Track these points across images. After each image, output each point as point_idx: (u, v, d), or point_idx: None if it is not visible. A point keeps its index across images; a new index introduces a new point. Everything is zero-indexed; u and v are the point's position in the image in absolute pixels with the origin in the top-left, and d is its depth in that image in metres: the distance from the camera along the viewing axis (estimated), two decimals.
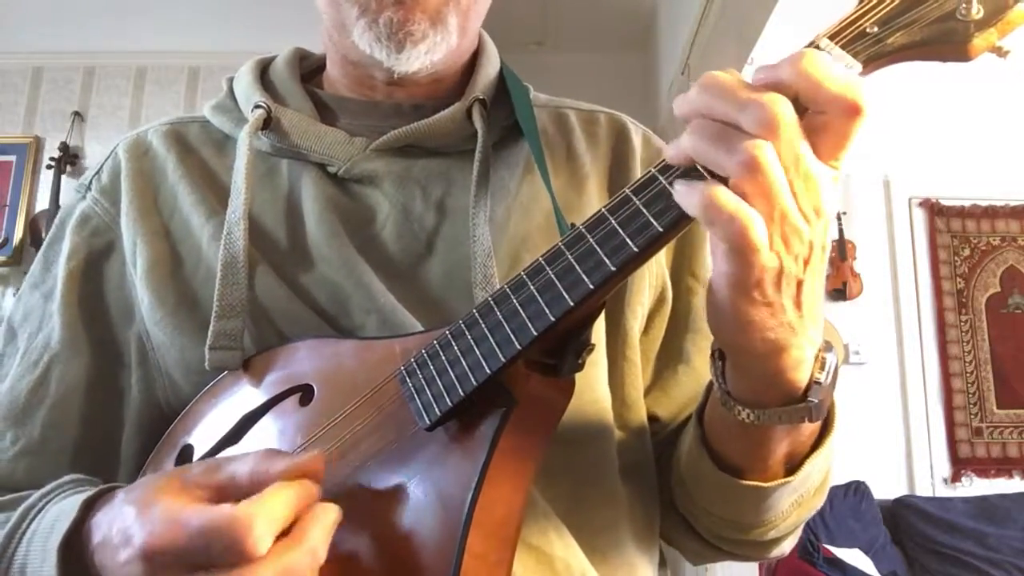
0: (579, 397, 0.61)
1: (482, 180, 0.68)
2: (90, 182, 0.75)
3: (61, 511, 0.53)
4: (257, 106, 0.72)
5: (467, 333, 0.52)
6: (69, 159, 3.40)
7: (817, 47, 0.45)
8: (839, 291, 3.65)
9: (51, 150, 3.42)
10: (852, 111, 0.42)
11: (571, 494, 0.65)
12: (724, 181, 0.43)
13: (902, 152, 3.70)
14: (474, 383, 0.51)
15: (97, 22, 3.39)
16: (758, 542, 0.67)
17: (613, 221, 0.47)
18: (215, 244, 0.67)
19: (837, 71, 0.43)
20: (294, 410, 0.60)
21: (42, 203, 3.40)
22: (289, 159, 0.73)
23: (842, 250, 3.70)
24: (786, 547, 0.70)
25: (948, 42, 0.44)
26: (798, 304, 0.46)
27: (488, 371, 0.50)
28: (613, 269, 0.46)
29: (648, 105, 3.93)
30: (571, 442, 0.65)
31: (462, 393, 0.51)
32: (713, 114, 0.44)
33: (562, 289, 0.47)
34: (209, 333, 0.63)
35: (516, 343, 0.49)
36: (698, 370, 0.74)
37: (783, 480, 0.58)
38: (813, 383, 0.50)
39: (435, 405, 0.52)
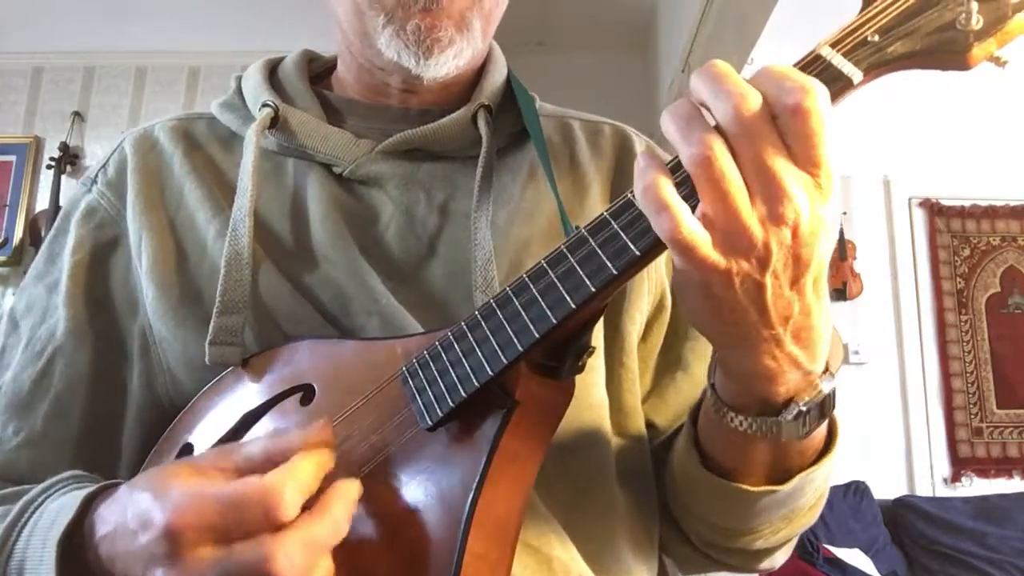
0: (576, 402, 0.61)
1: (485, 185, 0.69)
2: (96, 175, 0.75)
3: (61, 506, 0.53)
4: (265, 105, 0.73)
5: (469, 335, 0.52)
6: (69, 159, 3.41)
7: (819, 55, 0.46)
8: (839, 291, 3.65)
9: (51, 150, 3.43)
10: (795, 110, 0.42)
11: (568, 501, 0.65)
12: None
13: (902, 152, 3.70)
14: (476, 384, 0.51)
15: (97, 22, 3.39)
16: (746, 551, 0.67)
17: (615, 225, 0.47)
18: (220, 240, 0.67)
19: (791, 72, 0.43)
20: (295, 410, 0.60)
21: (42, 203, 3.40)
22: (295, 159, 0.73)
23: (842, 250, 3.70)
24: (777, 560, 0.70)
25: (948, 52, 0.45)
26: (763, 309, 0.45)
27: (490, 372, 0.50)
28: (615, 272, 0.46)
29: (648, 105, 3.93)
30: (568, 448, 0.65)
31: (464, 394, 0.51)
32: (698, 98, 0.44)
33: (564, 292, 0.48)
34: (210, 328, 0.63)
35: (518, 345, 0.49)
36: (697, 377, 0.75)
37: (770, 488, 0.58)
38: (791, 402, 0.50)
39: (436, 405, 0.52)
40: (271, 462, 0.47)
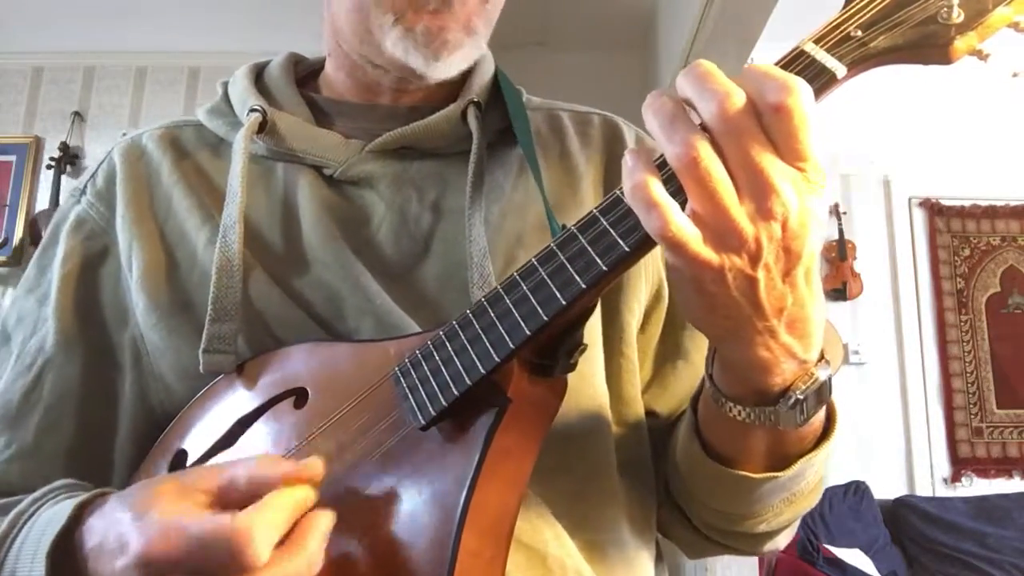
0: (576, 394, 0.61)
1: (477, 181, 0.69)
2: (85, 186, 0.75)
3: (53, 515, 0.53)
4: (253, 109, 0.72)
5: (461, 333, 0.52)
6: (69, 159, 3.41)
7: (803, 51, 0.46)
8: (839, 291, 3.64)
9: (51, 150, 3.43)
10: (776, 108, 0.42)
11: (569, 491, 0.65)
12: None
13: (902, 152, 3.69)
14: (468, 382, 0.51)
15: (97, 22, 3.39)
16: (749, 534, 0.67)
17: (604, 222, 0.47)
18: (210, 248, 0.67)
19: (772, 71, 0.43)
20: (289, 413, 0.60)
21: (42, 203, 3.41)
22: (285, 162, 0.73)
23: (842, 250, 3.69)
24: (780, 542, 0.70)
25: (930, 46, 0.45)
26: (756, 303, 0.46)
27: (482, 370, 0.50)
28: (605, 269, 0.46)
29: None
30: (568, 439, 0.65)
31: (456, 392, 0.51)
32: (684, 98, 0.45)
33: (554, 289, 0.48)
34: (203, 336, 0.63)
35: (509, 342, 0.49)
36: (696, 365, 0.75)
37: (772, 474, 0.58)
38: (788, 391, 0.51)
39: (429, 404, 0.52)
40: (255, 489, 0.47)
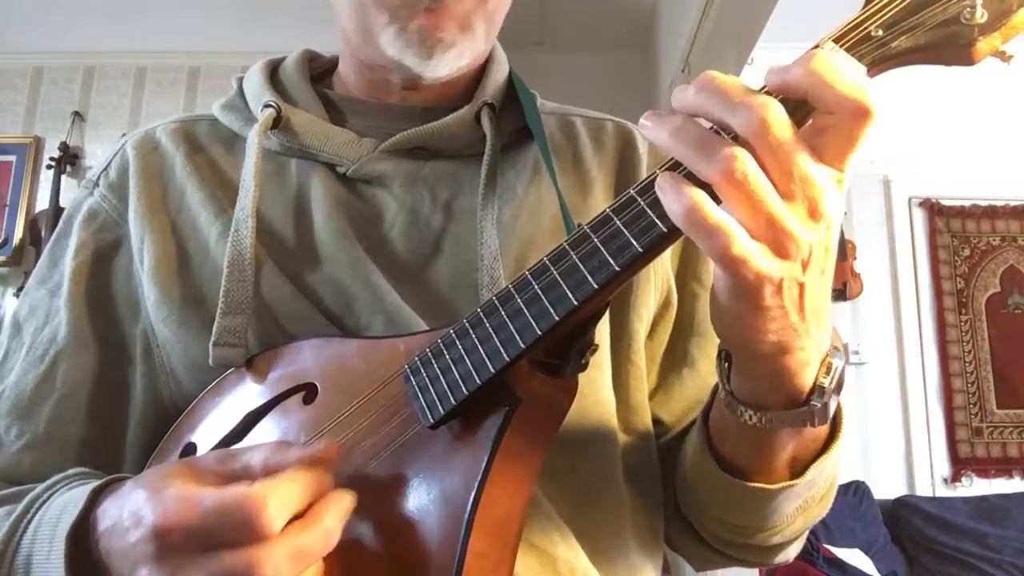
0: (583, 400, 0.61)
1: (490, 183, 0.69)
2: (98, 178, 0.75)
3: (68, 501, 0.53)
4: (267, 105, 0.72)
5: (471, 332, 0.52)
6: (69, 159, 3.40)
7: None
8: (839, 291, 3.64)
9: (51, 150, 3.43)
10: (860, 113, 0.42)
11: (575, 497, 0.65)
12: None
13: (902, 152, 3.69)
14: (478, 382, 0.51)
15: (97, 22, 3.38)
16: (762, 547, 0.66)
17: (618, 221, 0.47)
18: (222, 242, 0.67)
19: (848, 71, 0.43)
20: (298, 408, 0.60)
21: (42, 203, 3.40)
22: (298, 159, 0.73)
23: (842, 250, 3.69)
24: (791, 553, 0.70)
25: (952, 46, 0.44)
26: (801, 308, 0.46)
27: (492, 370, 0.50)
28: (617, 269, 0.46)
29: (648, 105, 3.93)
30: (574, 444, 0.65)
31: (465, 392, 0.51)
32: (707, 114, 0.44)
33: (566, 289, 0.47)
34: (213, 329, 0.63)
35: (520, 342, 0.49)
36: (702, 373, 0.74)
37: (787, 483, 0.58)
38: (817, 387, 0.50)
39: (439, 403, 0.52)
40: (268, 473, 0.48)
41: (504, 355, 0.50)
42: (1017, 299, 3.72)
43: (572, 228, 0.65)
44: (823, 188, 0.43)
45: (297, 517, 0.46)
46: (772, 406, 0.52)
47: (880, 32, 0.45)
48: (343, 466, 0.54)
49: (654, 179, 0.46)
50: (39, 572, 0.52)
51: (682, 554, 0.76)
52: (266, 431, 0.61)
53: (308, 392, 0.60)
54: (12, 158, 3.46)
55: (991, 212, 3.82)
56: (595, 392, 0.67)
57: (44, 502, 0.56)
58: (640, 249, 0.45)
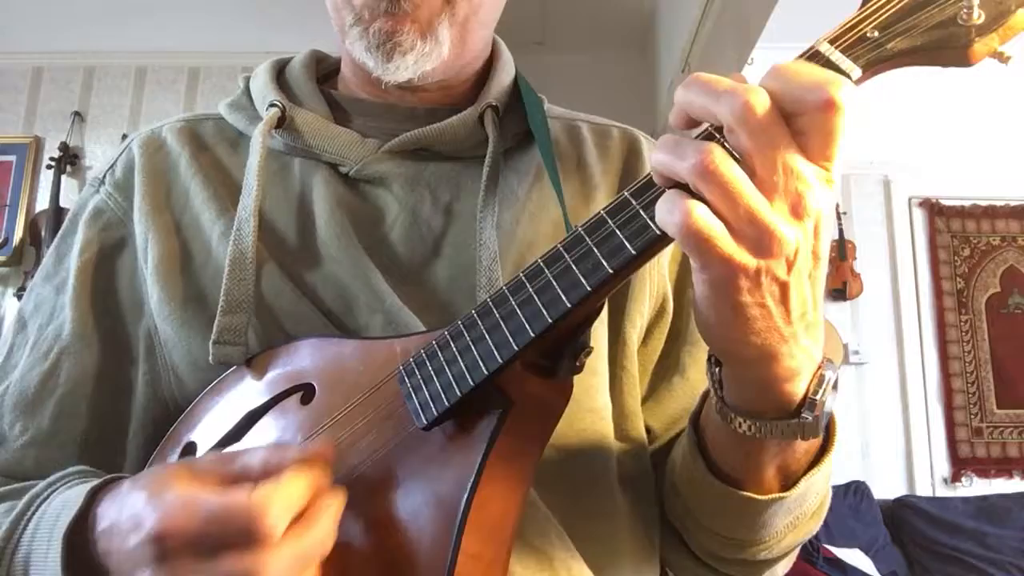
0: (579, 405, 0.60)
1: (491, 185, 0.69)
2: (104, 176, 0.76)
3: (67, 500, 0.53)
4: (272, 104, 0.73)
5: (465, 334, 0.52)
6: (69, 159, 3.41)
7: (817, 51, 0.45)
8: (839, 291, 3.65)
9: (51, 150, 3.43)
10: (826, 106, 0.41)
11: (569, 503, 0.65)
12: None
13: (902, 152, 3.70)
14: (471, 384, 0.50)
15: (97, 22, 3.39)
16: (751, 562, 0.66)
17: (612, 224, 0.46)
18: (225, 241, 0.68)
19: (807, 69, 0.43)
20: (295, 408, 0.60)
21: (42, 203, 3.40)
22: (301, 158, 0.73)
23: (842, 250, 3.70)
24: (779, 571, 0.69)
25: (948, 48, 0.44)
26: (786, 310, 0.45)
27: (485, 372, 0.50)
28: (611, 272, 0.46)
29: (648, 105, 3.93)
30: (569, 451, 0.65)
31: (459, 393, 0.51)
32: (693, 108, 0.44)
33: (560, 291, 0.47)
34: (214, 327, 0.63)
35: (513, 344, 0.49)
36: (692, 381, 0.74)
37: (778, 495, 0.57)
38: (808, 400, 0.49)
39: (432, 405, 0.52)
40: (267, 475, 0.48)
41: (497, 357, 0.49)
42: (1017, 299, 3.73)
43: None
44: (809, 182, 0.42)
45: (296, 519, 0.47)
46: (763, 414, 0.51)
47: (876, 33, 0.45)
48: (338, 466, 0.54)
49: (648, 182, 0.46)
50: (37, 570, 0.52)
51: (671, 568, 0.75)
52: (264, 431, 0.61)
53: (306, 392, 0.60)
54: (12, 158, 3.46)
55: (991, 212, 3.83)
56: (590, 398, 0.67)
57: (44, 500, 0.56)
58: (634, 252, 0.45)
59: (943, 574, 3.08)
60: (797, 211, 0.42)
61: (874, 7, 0.45)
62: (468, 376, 0.51)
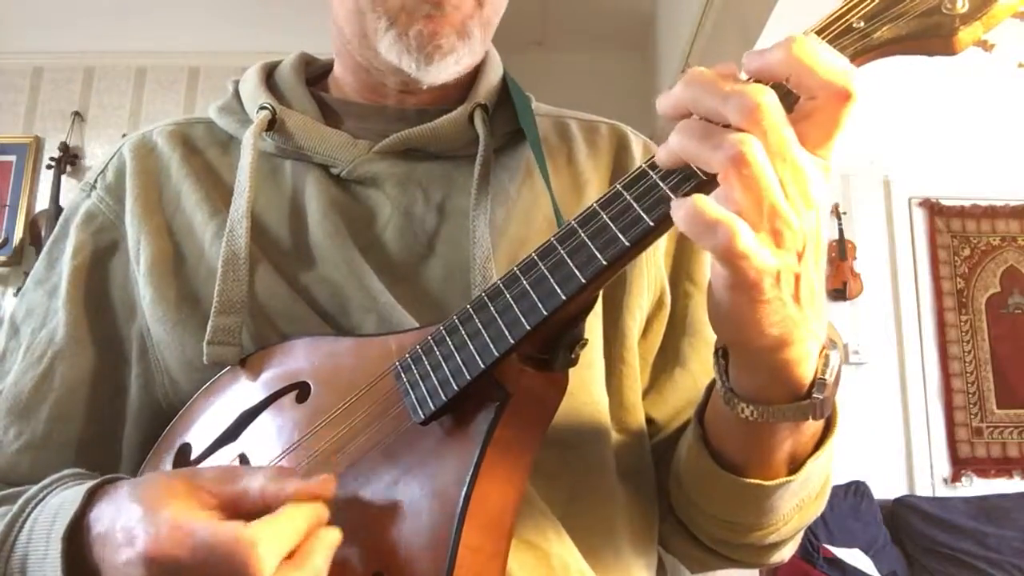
0: (575, 398, 0.60)
1: (483, 183, 0.69)
2: (95, 180, 0.76)
3: (63, 501, 0.53)
4: (262, 107, 0.73)
5: (461, 328, 0.52)
6: (69, 159, 3.41)
7: None
8: (839, 291, 3.65)
9: (51, 150, 3.42)
10: (842, 96, 0.42)
11: (567, 495, 0.65)
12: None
13: (902, 152, 3.70)
14: (468, 377, 0.51)
15: (97, 22, 3.39)
16: (758, 546, 0.66)
17: (604, 216, 0.47)
18: (217, 242, 0.68)
19: (827, 55, 0.43)
20: (291, 407, 0.60)
21: (42, 203, 3.40)
22: (293, 160, 0.74)
23: (842, 250, 3.70)
24: (786, 553, 0.69)
25: (934, 36, 0.45)
26: (797, 298, 0.46)
27: (481, 365, 0.50)
28: (604, 263, 0.46)
29: (648, 105, 3.93)
30: (567, 443, 0.65)
31: (456, 387, 0.51)
32: (698, 107, 0.44)
33: (554, 284, 0.48)
34: (208, 328, 0.63)
35: (509, 337, 0.49)
36: (694, 373, 0.74)
37: (785, 479, 0.58)
38: (817, 380, 0.50)
39: (429, 400, 0.52)
40: (267, 502, 0.48)
41: (493, 350, 0.50)
42: (1017, 299, 3.73)
43: None
44: (812, 174, 0.43)
45: (288, 555, 0.47)
46: (773, 400, 0.51)
47: (862, 23, 0.45)
48: (335, 464, 0.55)
49: (640, 174, 0.46)
50: (35, 572, 0.52)
51: (676, 555, 0.76)
52: (260, 431, 0.61)
53: (301, 391, 0.60)
54: (12, 158, 3.46)
55: (991, 212, 3.83)
56: (586, 391, 0.67)
57: (39, 502, 0.56)
58: (627, 243, 0.45)
59: (943, 574, 3.08)
60: (806, 201, 0.43)
61: None
62: (465, 370, 0.51)
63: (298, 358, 0.62)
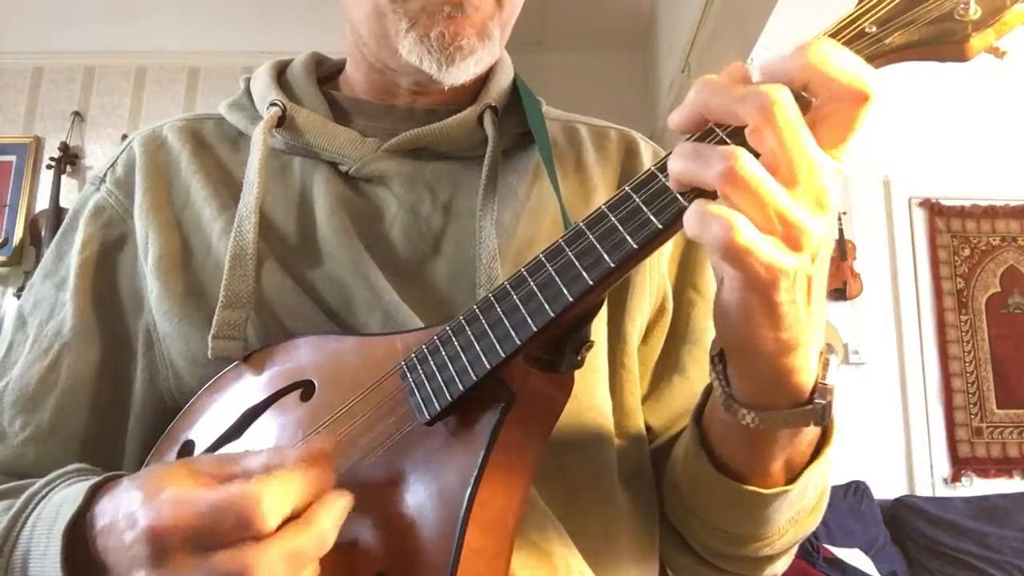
0: (579, 401, 0.60)
1: (490, 184, 0.69)
2: (104, 174, 0.76)
3: (66, 497, 0.53)
4: (272, 104, 0.73)
5: (467, 329, 0.52)
6: (69, 159, 3.41)
7: None
8: (839, 291, 3.65)
9: (51, 150, 3.43)
10: (859, 98, 0.42)
11: (568, 499, 0.65)
12: None
13: (902, 152, 3.70)
14: (473, 378, 0.51)
15: (97, 22, 3.39)
16: (752, 558, 0.66)
17: (613, 218, 0.47)
18: (225, 238, 0.68)
19: (844, 58, 0.43)
20: (295, 406, 0.60)
21: (42, 203, 3.40)
22: (302, 157, 0.74)
23: (842, 250, 3.70)
24: (779, 567, 0.69)
25: (946, 42, 0.44)
26: (808, 301, 0.46)
27: (487, 366, 0.50)
28: (612, 265, 0.46)
29: (648, 105, 3.94)
30: (569, 447, 0.65)
31: (461, 388, 0.51)
32: (711, 110, 0.44)
33: (562, 285, 0.47)
34: (213, 322, 0.63)
35: (515, 338, 0.49)
36: (692, 380, 0.74)
37: (782, 488, 0.57)
38: (819, 384, 0.50)
39: (435, 400, 0.52)
40: (267, 475, 0.47)
41: (500, 351, 0.50)
42: (1017, 299, 3.73)
43: None
44: (828, 176, 0.43)
45: (295, 517, 0.46)
46: (774, 405, 0.51)
47: (874, 28, 0.45)
48: (339, 463, 0.55)
49: (648, 176, 0.46)
50: (36, 567, 0.52)
51: (669, 565, 0.75)
52: (264, 428, 0.61)
53: (305, 389, 0.60)
54: (12, 158, 3.46)
55: (991, 212, 3.83)
56: (589, 395, 0.67)
57: (42, 498, 0.56)
58: (635, 246, 0.45)
59: (943, 574, 3.08)
60: (820, 204, 0.43)
61: (872, 2, 0.45)
62: (471, 370, 0.51)
63: (303, 356, 0.62)
